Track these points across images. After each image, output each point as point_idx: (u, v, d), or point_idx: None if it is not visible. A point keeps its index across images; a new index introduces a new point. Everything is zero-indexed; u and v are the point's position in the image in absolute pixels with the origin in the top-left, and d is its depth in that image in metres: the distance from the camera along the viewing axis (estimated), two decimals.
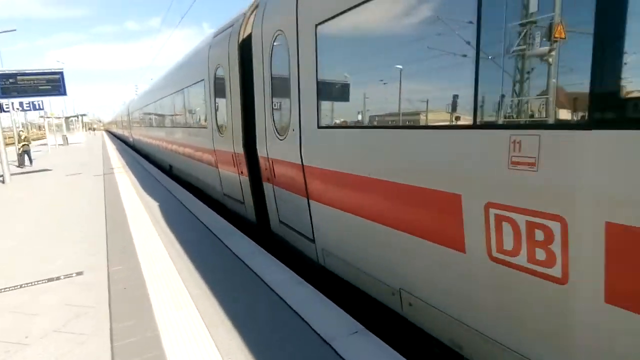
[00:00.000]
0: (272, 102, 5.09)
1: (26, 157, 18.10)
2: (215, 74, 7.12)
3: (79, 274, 4.62)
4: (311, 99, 4.09)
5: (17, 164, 17.51)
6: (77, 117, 50.94)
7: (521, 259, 2.14)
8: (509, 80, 2.25)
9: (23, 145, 17.89)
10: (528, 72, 2.18)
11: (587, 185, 1.81)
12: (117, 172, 13.72)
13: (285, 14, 4.46)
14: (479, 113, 2.36)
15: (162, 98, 13.40)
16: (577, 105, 1.96)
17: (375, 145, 3.23)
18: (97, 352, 2.98)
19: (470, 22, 2.31)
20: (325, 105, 4.02)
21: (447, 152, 2.53)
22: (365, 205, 3.41)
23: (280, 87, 4.86)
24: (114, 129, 61.23)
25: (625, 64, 1.70)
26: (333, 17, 3.56)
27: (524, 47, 2.15)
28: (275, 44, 4.85)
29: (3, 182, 12.84)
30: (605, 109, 1.76)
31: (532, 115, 2.24)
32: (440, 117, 2.72)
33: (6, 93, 14.60)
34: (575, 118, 1.97)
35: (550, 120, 2.09)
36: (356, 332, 2.98)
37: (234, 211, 7.22)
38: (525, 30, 2.13)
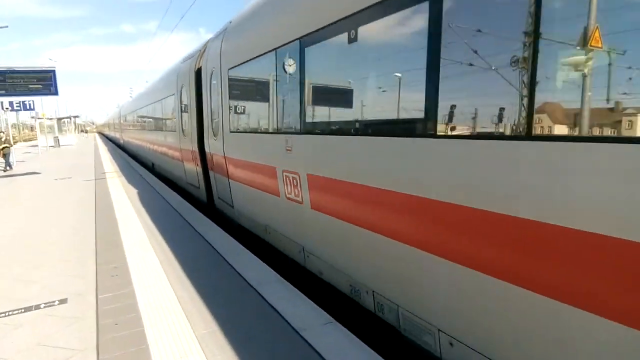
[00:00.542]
0: (211, 114, 7.30)
1: (5, 161, 16.64)
2: (181, 91, 9.44)
3: (62, 302, 3.92)
4: (226, 113, 6.48)
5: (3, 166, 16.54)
6: (70, 119, 49.88)
7: (295, 195, 4.45)
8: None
9: (3, 148, 16.41)
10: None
11: (300, 156, 4.25)
12: (109, 177, 12.97)
13: (216, 60, 6.83)
14: (275, 126, 4.98)
15: (146, 106, 15.60)
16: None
17: (254, 143, 5.61)
18: None
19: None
20: (233, 117, 6.35)
21: (269, 146, 4.98)
22: (252, 179, 5.70)
23: (214, 103, 7.09)
24: (107, 132, 61.03)
25: None
26: (234, 67, 6.03)
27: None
28: (212, 75, 7.16)
29: None
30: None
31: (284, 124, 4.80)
32: (271, 126, 5.13)
33: None
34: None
35: (295, 126, 4.37)
36: (327, 323, 3.32)
37: (194, 195, 9.47)
38: None
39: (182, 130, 9.32)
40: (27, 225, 6.95)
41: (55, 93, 14.77)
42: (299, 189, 4.31)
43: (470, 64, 2.39)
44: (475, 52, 2.34)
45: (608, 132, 1.89)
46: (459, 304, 2.60)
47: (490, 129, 2.39)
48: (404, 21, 2.91)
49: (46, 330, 3.37)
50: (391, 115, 3.19)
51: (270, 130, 5.05)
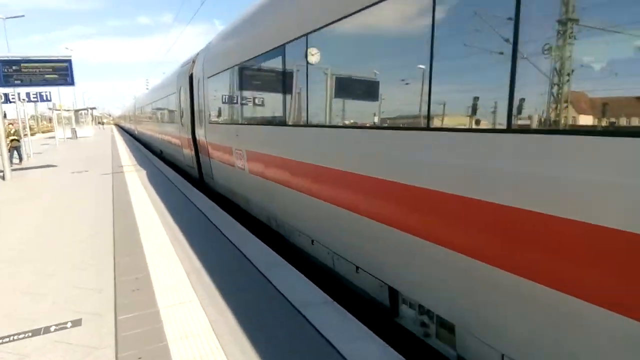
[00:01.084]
0: (199, 110, 9.50)
1: (15, 153, 15.84)
2: (180, 90, 11.72)
3: (76, 323, 3.32)
4: (207, 109, 8.77)
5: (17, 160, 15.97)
6: (87, 111, 50.07)
7: (241, 165, 6.73)
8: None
9: (12, 140, 15.31)
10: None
11: (243, 139, 6.60)
12: (127, 172, 12.50)
13: (200, 70, 9.13)
14: (231, 119, 7.33)
15: (155, 101, 18.31)
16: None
17: (221, 131, 7.81)
18: None
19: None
20: (211, 112, 8.55)
21: (228, 133, 7.25)
22: (222, 157, 7.86)
23: (201, 101, 9.27)
24: (123, 123, 61.37)
25: None
26: (211, 76, 8.19)
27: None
28: (199, 81, 9.32)
29: (3, 178, 11.69)
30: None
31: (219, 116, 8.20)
32: (230, 119, 7.39)
33: (9, 81, 13.41)
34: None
35: (240, 119, 6.85)
36: (325, 302, 3.51)
37: (192, 175, 11.53)
38: None
39: (182, 122, 11.62)
40: (39, 226, 6.44)
41: (72, 83, 14.34)
42: (243, 160, 6.56)
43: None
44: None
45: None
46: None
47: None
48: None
49: None
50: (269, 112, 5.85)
51: (229, 122, 7.33)
